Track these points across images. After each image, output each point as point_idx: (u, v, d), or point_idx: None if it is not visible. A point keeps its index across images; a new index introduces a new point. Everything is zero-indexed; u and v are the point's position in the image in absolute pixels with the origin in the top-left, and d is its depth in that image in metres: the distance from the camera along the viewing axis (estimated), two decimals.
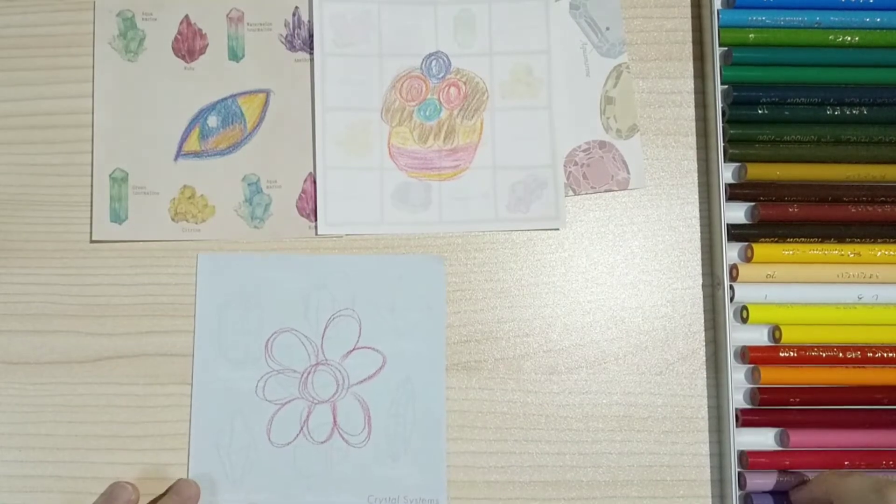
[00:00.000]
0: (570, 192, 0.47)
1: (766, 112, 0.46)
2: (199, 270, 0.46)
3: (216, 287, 0.46)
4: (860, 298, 0.45)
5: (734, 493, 0.43)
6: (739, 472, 0.44)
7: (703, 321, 0.47)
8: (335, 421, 0.45)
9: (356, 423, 0.45)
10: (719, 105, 0.45)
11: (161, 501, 0.43)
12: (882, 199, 0.46)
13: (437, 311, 0.46)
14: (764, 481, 0.44)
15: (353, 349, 0.46)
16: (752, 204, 0.46)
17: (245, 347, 0.46)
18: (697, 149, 0.48)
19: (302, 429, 0.45)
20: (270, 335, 0.46)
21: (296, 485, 0.45)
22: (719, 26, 0.46)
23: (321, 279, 0.46)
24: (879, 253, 0.45)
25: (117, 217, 0.46)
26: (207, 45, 0.47)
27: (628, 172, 0.47)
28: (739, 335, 0.46)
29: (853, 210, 0.46)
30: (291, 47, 0.48)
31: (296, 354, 0.46)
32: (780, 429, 0.45)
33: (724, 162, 0.46)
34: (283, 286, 0.46)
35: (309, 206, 0.47)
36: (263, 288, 0.46)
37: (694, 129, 0.48)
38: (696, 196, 0.47)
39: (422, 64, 0.48)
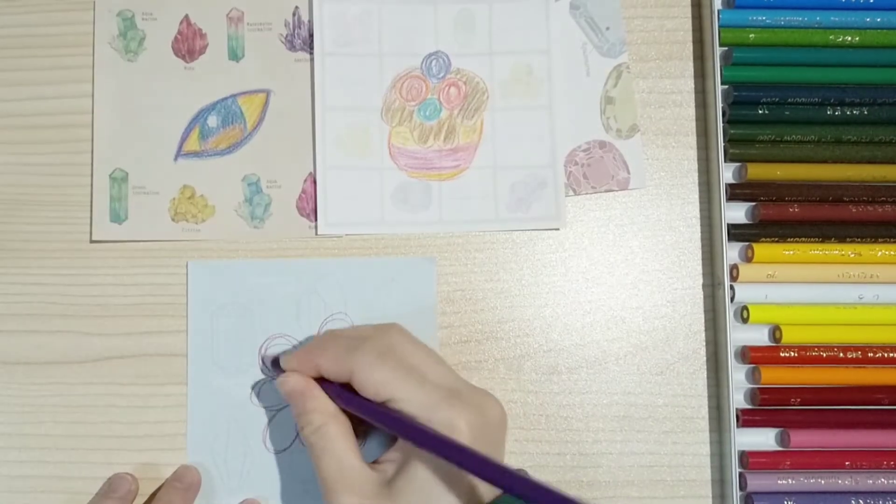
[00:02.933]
0: (571, 192, 0.47)
1: (766, 112, 0.46)
2: (189, 278, 0.46)
3: (207, 295, 0.46)
4: (861, 298, 0.45)
5: (734, 494, 0.43)
6: (740, 473, 0.44)
7: (703, 321, 0.47)
8: None
9: None
10: (719, 105, 0.45)
11: (163, 490, 0.44)
12: (882, 199, 0.46)
13: (429, 312, 0.46)
14: (764, 482, 0.44)
15: None
16: (753, 204, 0.46)
17: (238, 355, 0.45)
18: (698, 149, 0.48)
19: (298, 434, 0.45)
20: (263, 341, 0.46)
21: (293, 490, 0.45)
22: (719, 26, 0.46)
23: (312, 284, 0.46)
24: (880, 253, 0.45)
25: (117, 217, 0.46)
26: (207, 45, 0.47)
27: (628, 172, 0.47)
28: (740, 335, 0.46)
29: (854, 210, 0.46)
30: (291, 47, 0.48)
31: None
32: (781, 429, 0.45)
33: (725, 162, 0.46)
34: (274, 292, 0.46)
35: (309, 206, 0.47)
36: (255, 294, 0.46)
37: (694, 129, 0.48)
38: (696, 196, 0.47)
39: (422, 64, 0.48)
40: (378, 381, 0.36)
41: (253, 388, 0.45)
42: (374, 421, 0.37)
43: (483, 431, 0.36)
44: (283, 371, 0.41)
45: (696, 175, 0.47)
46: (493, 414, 0.37)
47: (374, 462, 0.39)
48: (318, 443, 0.38)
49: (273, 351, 0.45)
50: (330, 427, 0.38)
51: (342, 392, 0.39)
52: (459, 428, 0.35)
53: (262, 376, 0.45)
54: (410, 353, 0.38)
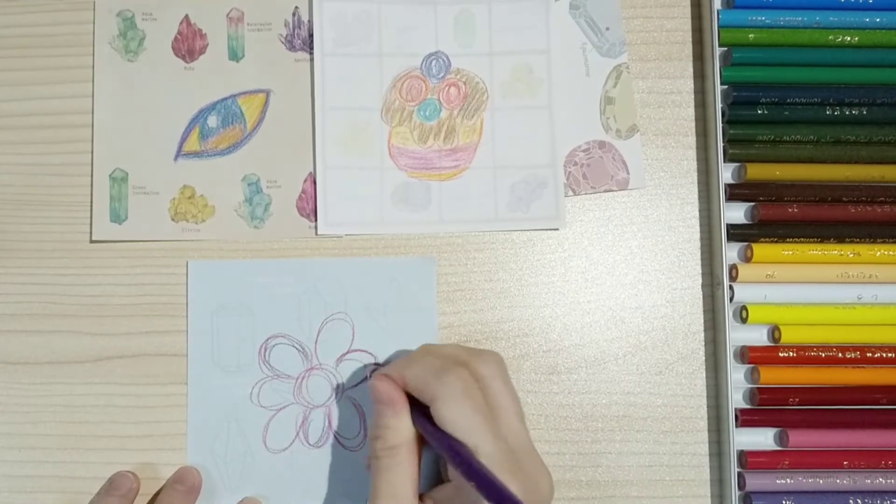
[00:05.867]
0: (570, 192, 0.47)
1: (765, 112, 0.46)
2: (189, 278, 0.46)
3: (207, 294, 0.46)
4: (860, 298, 0.45)
5: (733, 494, 0.43)
6: (739, 472, 0.44)
7: (702, 321, 0.47)
8: (330, 425, 0.45)
9: (352, 426, 0.45)
10: (719, 105, 0.45)
11: (164, 492, 0.44)
12: (882, 199, 0.46)
13: (429, 312, 0.46)
14: (763, 481, 0.44)
15: (347, 353, 0.46)
16: (752, 204, 0.46)
17: (238, 354, 0.45)
18: (697, 149, 0.48)
19: (297, 434, 0.45)
20: (263, 341, 0.46)
21: (293, 490, 0.45)
22: (719, 26, 0.46)
23: (313, 284, 0.46)
24: (879, 253, 0.45)
25: (117, 217, 0.46)
26: (207, 45, 0.47)
27: (628, 172, 0.47)
28: (739, 335, 0.46)
29: (853, 210, 0.46)
30: (291, 47, 0.48)
31: (289, 360, 0.46)
32: (780, 429, 0.45)
33: (724, 162, 0.46)
34: (274, 292, 0.46)
35: (309, 206, 0.47)
36: (255, 294, 0.46)
37: (694, 129, 0.48)
38: (696, 196, 0.47)
39: (422, 64, 0.48)
40: (453, 421, 0.35)
41: (253, 388, 0.45)
42: (447, 455, 0.36)
43: None
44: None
45: (695, 175, 0.47)
46: (545, 490, 0.36)
47: (423, 494, 0.38)
48: (384, 460, 0.37)
49: (272, 350, 0.45)
50: (402, 450, 0.37)
51: (424, 419, 0.37)
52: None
53: (263, 375, 0.45)
54: (496, 392, 0.37)
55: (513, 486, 0.34)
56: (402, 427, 0.37)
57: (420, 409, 0.38)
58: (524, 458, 0.36)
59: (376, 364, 0.46)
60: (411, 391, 0.38)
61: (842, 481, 0.44)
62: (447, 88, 0.47)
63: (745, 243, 0.46)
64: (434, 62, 0.48)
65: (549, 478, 0.37)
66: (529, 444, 0.37)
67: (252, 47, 0.47)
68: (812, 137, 0.46)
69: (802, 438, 0.44)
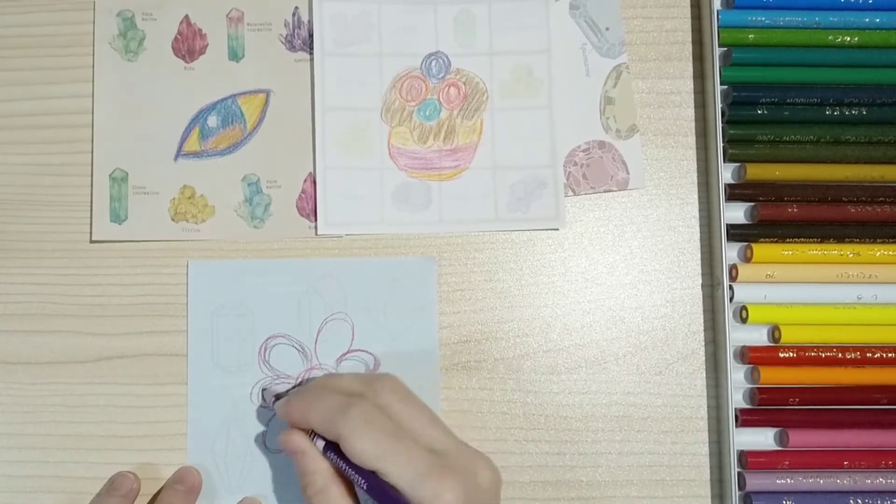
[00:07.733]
0: (570, 193, 0.47)
1: (765, 112, 0.46)
2: (189, 278, 0.46)
3: (207, 295, 0.46)
4: (859, 298, 0.45)
5: (733, 494, 0.43)
6: (739, 472, 0.44)
7: (702, 321, 0.47)
8: None
9: None
10: (719, 105, 0.45)
11: (164, 492, 0.44)
12: (882, 199, 0.46)
13: (430, 312, 0.46)
14: (763, 481, 0.44)
15: (347, 353, 0.46)
16: (752, 204, 0.46)
17: (238, 354, 0.45)
18: (697, 149, 0.48)
19: None
20: (263, 341, 0.46)
21: (293, 490, 0.45)
22: (719, 26, 0.46)
23: (313, 283, 0.46)
24: (879, 253, 0.45)
25: (117, 217, 0.46)
26: (207, 45, 0.47)
27: (628, 172, 0.47)
28: (739, 335, 0.46)
29: (853, 210, 0.46)
30: (291, 47, 0.48)
31: (290, 360, 0.46)
32: (780, 429, 0.45)
33: (724, 162, 0.46)
34: (274, 292, 0.46)
35: (309, 206, 0.47)
36: (255, 294, 0.46)
37: (693, 130, 0.48)
38: (696, 196, 0.47)
39: (422, 64, 0.48)
40: (363, 452, 0.36)
41: (253, 387, 0.45)
42: (361, 490, 0.38)
43: (472, 499, 0.35)
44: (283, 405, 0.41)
45: (695, 175, 0.47)
46: (484, 478, 0.37)
47: None
48: None
49: (272, 349, 0.45)
50: (331, 490, 0.38)
51: (336, 456, 0.39)
52: (446, 501, 0.34)
53: (263, 376, 0.45)
54: (400, 411, 0.38)
55: (445, 486, 0.35)
56: (322, 466, 0.39)
57: (335, 453, 0.39)
58: (454, 457, 0.37)
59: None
60: (318, 432, 0.39)
61: (842, 481, 0.44)
62: (447, 88, 0.47)
63: (745, 243, 0.46)
64: (434, 62, 0.48)
65: (487, 464, 0.38)
66: (456, 443, 0.38)
67: (252, 47, 0.47)
68: (812, 137, 0.46)
69: (802, 438, 0.44)
